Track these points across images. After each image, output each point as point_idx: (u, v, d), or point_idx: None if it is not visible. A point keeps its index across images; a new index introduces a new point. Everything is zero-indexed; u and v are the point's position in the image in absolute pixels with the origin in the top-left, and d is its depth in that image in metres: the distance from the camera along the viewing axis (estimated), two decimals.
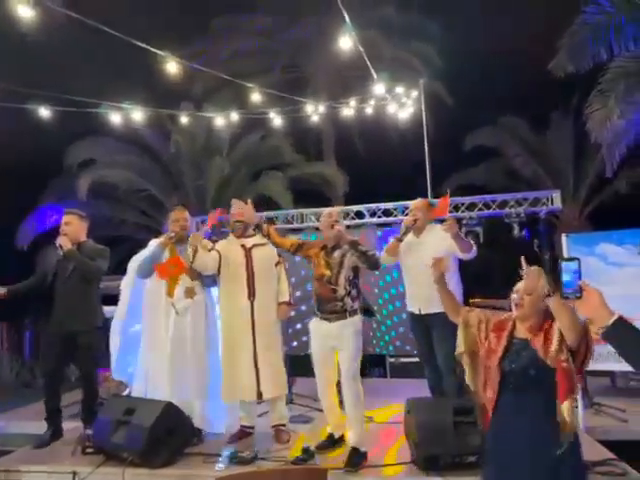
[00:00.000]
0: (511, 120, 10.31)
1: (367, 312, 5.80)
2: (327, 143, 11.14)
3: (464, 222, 6.54)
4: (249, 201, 3.73)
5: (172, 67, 4.10)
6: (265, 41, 10.62)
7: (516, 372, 2.14)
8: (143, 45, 3.83)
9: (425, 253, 3.42)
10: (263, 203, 8.71)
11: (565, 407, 2.04)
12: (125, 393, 4.30)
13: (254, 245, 3.84)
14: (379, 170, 10.35)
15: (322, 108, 5.81)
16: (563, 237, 3.84)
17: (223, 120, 5.76)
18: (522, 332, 2.21)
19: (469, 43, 10.42)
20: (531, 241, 6.03)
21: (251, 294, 3.74)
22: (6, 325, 8.36)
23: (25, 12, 3.30)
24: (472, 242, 3.54)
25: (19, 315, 8.37)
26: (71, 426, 4.10)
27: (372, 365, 7.38)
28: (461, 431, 3.00)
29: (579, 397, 3.77)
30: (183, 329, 3.79)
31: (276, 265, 3.90)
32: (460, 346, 2.39)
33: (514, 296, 2.23)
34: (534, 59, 7.87)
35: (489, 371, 2.21)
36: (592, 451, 3.20)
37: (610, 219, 8.77)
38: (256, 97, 4.74)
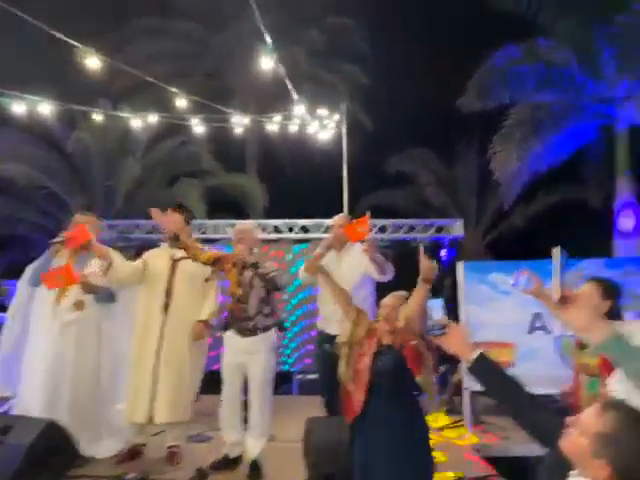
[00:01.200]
0: (423, 151, 10.98)
1: (280, 326, 5.85)
2: (250, 156, 11.10)
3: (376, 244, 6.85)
4: (169, 210, 3.58)
5: (90, 62, 3.87)
6: (187, 46, 10.42)
7: (381, 373, 2.36)
8: (59, 35, 3.57)
9: (343, 272, 3.46)
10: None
11: (422, 380, 2.29)
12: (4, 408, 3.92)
13: (183, 257, 3.61)
14: (300, 187, 10.48)
15: (246, 121, 5.80)
16: (459, 264, 4.11)
17: (140, 122, 5.54)
18: (386, 339, 2.45)
19: (389, 74, 10.98)
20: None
21: (165, 309, 3.54)
22: None
23: None
24: (390, 265, 3.53)
25: None
26: None
27: (279, 382, 7.35)
28: None
29: (468, 416, 4.03)
30: (65, 346, 3.50)
31: (206, 281, 3.66)
32: (344, 336, 2.51)
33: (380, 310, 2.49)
34: (448, 95, 8.44)
35: (359, 373, 2.42)
36: (476, 467, 3.42)
37: (507, 249, 9.58)
38: (180, 102, 4.62)
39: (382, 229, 6.81)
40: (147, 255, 3.75)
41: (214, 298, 3.68)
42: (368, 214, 3.54)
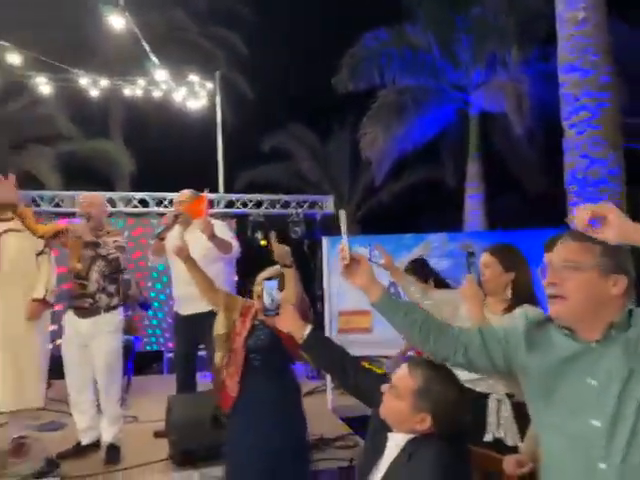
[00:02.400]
0: (300, 127, 11.10)
1: (142, 306, 5.60)
2: (114, 121, 10.25)
3: (251, 218, 6.82)
4: (11, 177, 3.15)
5: None
6: None
7: (257, 350, 2.35)
8: None
9: (191, 250, 3.38)
10: (25, 180, 7.55)
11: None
12: None
13: (7, 230, 3.25)
14: (171, 157, 9.97)
15: (103, 83, 5.30)
16: (324, 239, 4.27)
17: None
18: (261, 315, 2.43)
19: (269, 47, 10.84)
20: (302, 241, 6.57)
21: None
22: None
23: None
24: (232, 242, 3.49)
25: None
26: None
27: (149, 361, 7.12)
28: (220, 423, 3.08)
29: (328, 380, 4.27)
30: None
31: (38, 255, 3.33)
32: (219, 328, 2.48)
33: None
34: (324, 72, 8.59)
35: (235, 353, 2.38)
36: (334, 429, 3.66)
37: (375, 224, 10.18)
38: (12, 58, 4.00)
39: (258, 204, 6.80)
40: None
41: (49, 273, 3.37)
42: (205, 191, 3.47)
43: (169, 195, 6.45)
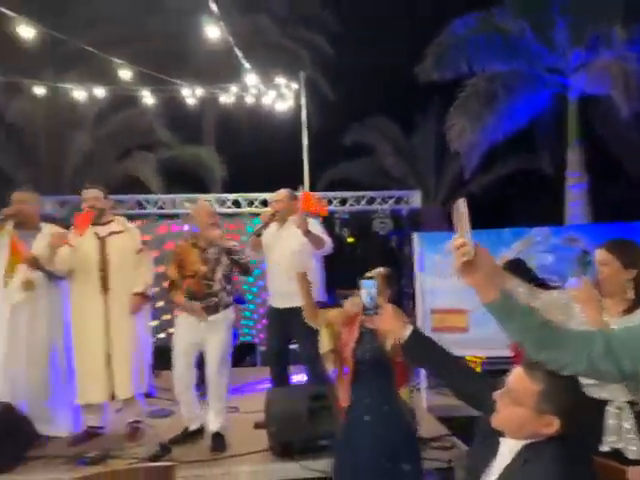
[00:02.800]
0: (382, 120, 10.95)
1: (238, 301, 5.88)
2: (207, 127, 10.80)
3: (336, 216, 6.89)
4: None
5: (23, 31, 3.60)
6: (133, 9, 9.86)
7: (365, 359, 2.31)
8: None
9: (287, 246, 3.50)
10: (132, 185, 8.21)
11: (402, 392, 2.27)
12: None
13: (110, 233, 3.56)
14: (260, 159, 10.33)
15: (199, 92, 5.61)
16: (414, 236, 4.19)
17: (86, 93, 5.28)
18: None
19: (350, 42, 10.84)
20: (392, 237, 6.51)
21: (104, 288, 3.48)
22: None
23: None
24: (325, 238, 3.58)
25: None
26: None
27: (243, 353, 7.43)
28: (316, 416, 3.16)
29: (423, 379, 4.19)
30: (17, 327, 3.43)
31: (138, 253, 3.63)
32: (325, 346, 2.51)
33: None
34: (407, 63, 8.42)
35: (345, 362, 2.38)
36: (430, 428, 3.58)
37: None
38: (124, 73, 4.39)
39: (342, 201, 6.84)
40: (70, 238, 3.55)
41: (148, 269, 3.65)
42: (302, 188, 3.60)
43: (260, 196, 6.74)
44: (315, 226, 3.65)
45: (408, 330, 1.76)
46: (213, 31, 3.61)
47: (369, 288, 1.93)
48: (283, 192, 3.82)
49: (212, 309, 3.41)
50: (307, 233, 3.37)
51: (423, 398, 4.21)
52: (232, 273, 3.52)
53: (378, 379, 2.33)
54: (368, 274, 2.36)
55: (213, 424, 3.42)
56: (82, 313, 3.51)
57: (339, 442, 2.44)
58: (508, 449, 1.42)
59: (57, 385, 3.58)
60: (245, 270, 3.49)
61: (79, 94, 5.04)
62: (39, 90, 5.10)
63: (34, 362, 3.47)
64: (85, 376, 3.49)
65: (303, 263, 3.00)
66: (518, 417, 1.37)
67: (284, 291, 3.52)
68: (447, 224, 10.56)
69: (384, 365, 2.32)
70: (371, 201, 6.82)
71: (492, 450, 1.47)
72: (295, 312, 3.50)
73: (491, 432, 1.49)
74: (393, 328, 1.81)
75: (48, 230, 3.60)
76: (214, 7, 3.20)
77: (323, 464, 2.97)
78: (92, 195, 3.56)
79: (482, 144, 8.38)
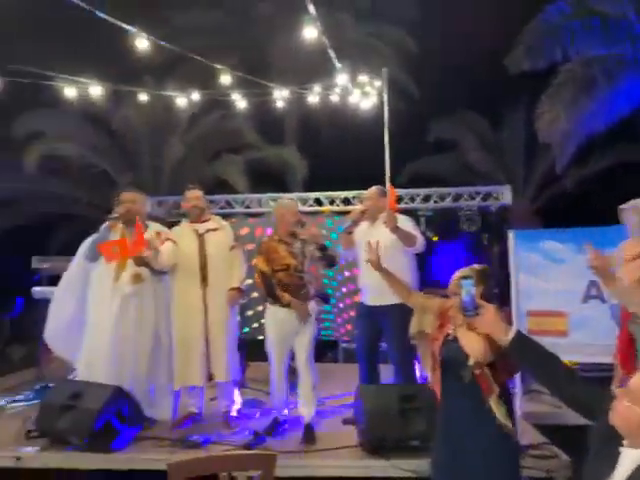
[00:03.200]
0: (468, 114, 10.56)
1: (322, 298, 5.97)
2: (289, 127, 11.04)
3: (420, 213, 6.76)
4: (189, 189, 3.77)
5: (139, 43, 3.86)
6: (224, 18, 10.31)
7: (453, 360, 2.23)
8: (103, 16, 3.62)
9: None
10: (219, 186, 8.61)
11: (492, 402, 2.15)
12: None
13: (208, 230, 3.79)
14: (341, 158, 10.37)
15: (287, 93, 5.75)
16: (509, 233, 4.01)
17: (184, 99, 5.60)
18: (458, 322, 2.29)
19: (431, 35, 10.56)
20: (481, 234, 6.27)
21: (204, 281, 3.71)
22: None
23: None
24: (416, 235, 3.55)
25: None
26: (16, 409, 3.99)
27: (324, 349, 7.53)
28: (406, 417, 3.13)
29: (518, 384, 4.01)
30: (127, 318, 3.71)
31: (231, 249, 3.85)
32: (414, 326, 2.47)
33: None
34: (493, 54, 8.06)
35: (434, 357, 2.32)
36: (527, 435, 3.42)
37: (556, 215, 9.23)
38: (224, 78, 4.63)
39: (426, 198, 6.70)
40: (172, 234, 3.88)
41: (242, 264, 3.86)
42: (390, 185, 3.57)
43: (341, 194, 6.80)
44: (405, 222, 3.62)
45: (512, 332, 1.70)
46: (310, 32, 3.69)
47: (468, 287, 1.88)
48: (373, 190, 3.85)
49: (303, 300, 3.52)
50: (395, 230, 3.37)
51: (517, 405, 4.03)
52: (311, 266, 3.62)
53: (470, 386, 2.20)
54: (463, 271, 2.29)
55: (304, 416, 3.51)
56: (184, 305, 3.76)
57: (436, 439, 2.39)
58: (630, 459, 1.34)
59: (160, 371, 3.85)
60: (332, 262, 3.58)
61: (180, 100, 5.35)
62: (142, 97, 5.48)
63: (140, 350, 3.75)
64: (184, 361, 3.73)
65: (394, 260, 2.99)
66: (635, 417, 1.30)
67: (375, 287, 3.52)
68: (536, 221, 10.01)
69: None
70: (457, 198, 6.61)
71: (610, 461, 1.39)
72: (386, 311, 3.54)
73: (608, 442, 1.41)
74: (495, 330, 1.75)
75: (154, 228, 3.90)
76: (312, 9, 3.27)
77: (414, 464, 2.94)
78: (195, 195, 3.83)
79: (578, 135, 7.81)
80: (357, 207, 3.70)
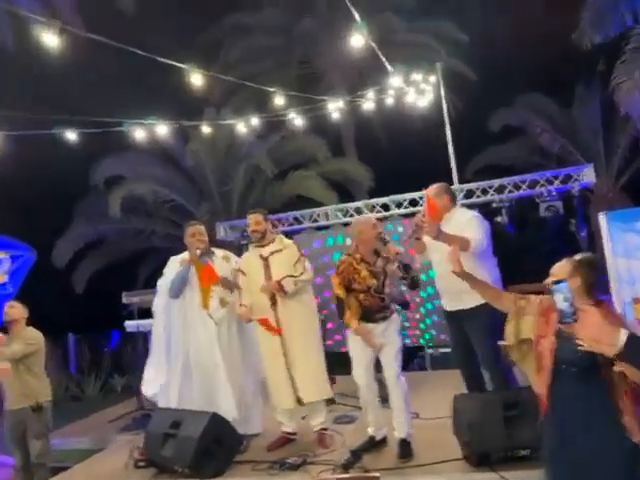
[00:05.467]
0: (533, 96, 9.99)
1: (401, 305, 5.80)
2: (347, 138, 11.03)
3: (495, 206, 6.39)
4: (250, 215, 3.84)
5: (194, 79, 4.00)
6: (274, 39, 10.54)
7: (569, 358, 1.97)
8: (160, 59, 3.78)
9: (445, 245, 3.27)
10: (291, 202, 8.74)
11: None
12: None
13: (271, 253, 3.81)
14: (402, 160, 10.19)
15: (341, 104, 5.74)
16: (600, 216, 3.68)
17: (243, 125, 5.75)
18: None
19: (486, 18, 10.17)
20: (566, 220, 5.83)
21: (273, 303, 3.72)
22: (49, 339, 8.62)
23: (51, 40, 3.13)
24: (470, 237, 3.17)
25: (62, 329, 8.65)
26: (123, 439, 4.21)
27: (409, 357, 7.31)
28: (511, 425, 2.93)
29: None
30: (218, 342, 3.85)
31: (295, 264, 3.78)
32: (510, 336, 2.24)
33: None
34: (554, 31, 7.61)
35: (541, 357, 2.06)
36: None
37: None
38: (278, 100, 4.71)
39: (500, 189, 6.35)
40: (240, 263, 3.97)
41: (308, 271, 3.79)
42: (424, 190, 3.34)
43: (407, 196, 6.62)
44: (471, 222, 3.33)
45: (623, 336, 1.49)
46: (357, 39, 3.64)
47: (562, 291, 1.69)
48: (432, 189, 3.61)
49: (383, 318, 3.43)
50: (436, 238, 3.09)
51: None
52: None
53: (582, 379, 1.96)
54: (555, 272, 2.06)
55: (399, 431, 3.39)
56: (260, 329, 3.81)
57: (548, 449, 2.17)
58: None
59: (247, 387, 3.98)
60: (415, 285, 3.36)
61: (240, 127, 5.50)
62: (205, 129, 5.69)
63: (231, 372, 3.85)
64: (272, 384, 3.78)
65: (463, 264, 2.75)
66: None
67: (449, 290, 3.38)
68: (625, 200, 9.21)
69: (588, 366, 1.92)
70: (533, 184, 6.21)
71: None
72: (464, 316, 3.33)
73: None
74: (600, 335, 1.54)
75: (220, 254, 4.09)
76: (357, 16, 3.22)
77: (524, 475, 2.74)
78: (254, 220, 3.88)
79: None
80: (418, 215, 3.41)
